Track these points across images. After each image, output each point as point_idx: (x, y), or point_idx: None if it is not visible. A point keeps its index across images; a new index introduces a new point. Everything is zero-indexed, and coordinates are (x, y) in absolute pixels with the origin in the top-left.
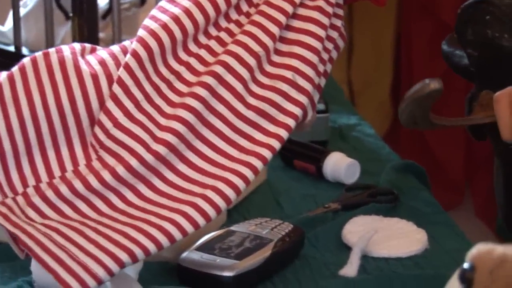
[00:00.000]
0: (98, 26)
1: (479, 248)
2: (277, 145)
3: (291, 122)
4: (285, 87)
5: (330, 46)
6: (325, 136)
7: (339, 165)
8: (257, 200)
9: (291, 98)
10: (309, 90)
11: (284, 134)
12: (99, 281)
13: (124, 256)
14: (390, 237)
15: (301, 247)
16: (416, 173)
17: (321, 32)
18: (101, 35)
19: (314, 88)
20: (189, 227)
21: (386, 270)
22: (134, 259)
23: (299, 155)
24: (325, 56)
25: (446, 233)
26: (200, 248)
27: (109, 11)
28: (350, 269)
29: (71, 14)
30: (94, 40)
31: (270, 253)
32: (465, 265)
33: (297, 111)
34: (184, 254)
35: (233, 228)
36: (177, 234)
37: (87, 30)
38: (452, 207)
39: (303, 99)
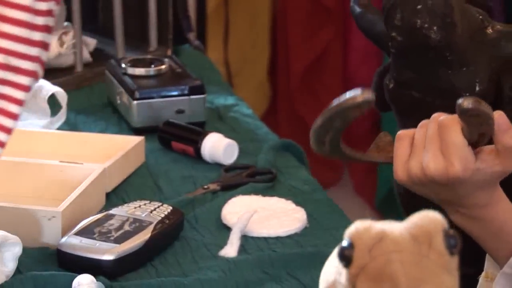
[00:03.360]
0: None
1: (357, 226)
2: (4, 137)
3: (15, 109)
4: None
5: (42, 6)
6: (202, 117)
7: (217, 146)
8: (135, 183)
9: (9, 82)
10: (30, 68)
11: (10, 123)
12: None
13: None
14: (269, 216)
15: (180, 229)
16: (294, 152)
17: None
18: None
19: (36, 62)
20: None
21: (266, 249)
22: None
23: (177, 137)
24: (39, 20)
25: (325, 210)
26: (80, 233)
27: None
28: (230, 250)
29: None
30: None
31: (150, 235)
32: (344, 243)
33: (20, 94)
34: (64, 239)
35: (112, 211)
36: None
37: None
38: (331, 185)
39: (24, 80)
